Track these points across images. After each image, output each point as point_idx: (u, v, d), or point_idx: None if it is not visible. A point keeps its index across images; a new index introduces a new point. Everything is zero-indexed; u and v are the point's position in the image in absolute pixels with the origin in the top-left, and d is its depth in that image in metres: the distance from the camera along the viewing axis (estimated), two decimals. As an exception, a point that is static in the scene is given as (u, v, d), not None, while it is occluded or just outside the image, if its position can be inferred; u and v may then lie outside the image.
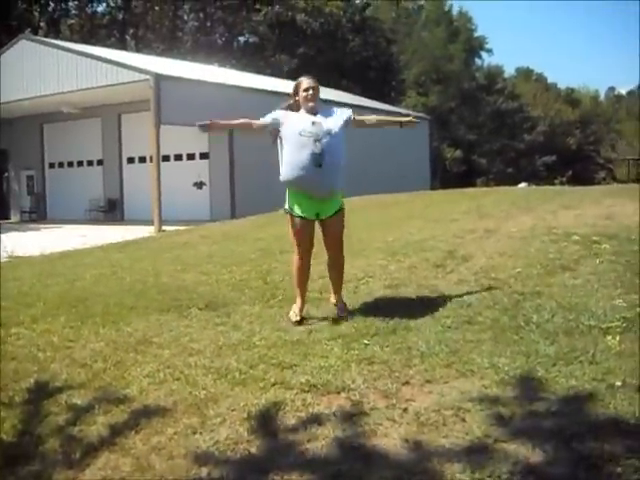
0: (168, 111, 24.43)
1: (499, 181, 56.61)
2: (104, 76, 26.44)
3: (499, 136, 71.25)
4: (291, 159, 6.28)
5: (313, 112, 6.39)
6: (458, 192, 22.26)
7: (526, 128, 73.31)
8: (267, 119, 6.56)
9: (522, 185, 34.34)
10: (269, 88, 30.76)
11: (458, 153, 66.59)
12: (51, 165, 35.46)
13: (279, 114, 6.51)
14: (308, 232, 6.46)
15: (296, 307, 6.48)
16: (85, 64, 27.33)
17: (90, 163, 33.72)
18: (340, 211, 6.50)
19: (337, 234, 6.55)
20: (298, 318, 6.33)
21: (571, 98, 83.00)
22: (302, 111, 6.43)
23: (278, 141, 6.50)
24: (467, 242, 9.87)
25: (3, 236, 21.21)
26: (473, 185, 51.16)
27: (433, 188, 37.08)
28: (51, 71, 28.25)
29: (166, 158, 28.11)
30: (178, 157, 29.96)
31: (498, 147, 70.93)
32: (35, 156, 35.17)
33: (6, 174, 38.56)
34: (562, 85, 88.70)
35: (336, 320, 6.23)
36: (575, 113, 78.49)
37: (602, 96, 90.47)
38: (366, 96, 45.45)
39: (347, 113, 6.56)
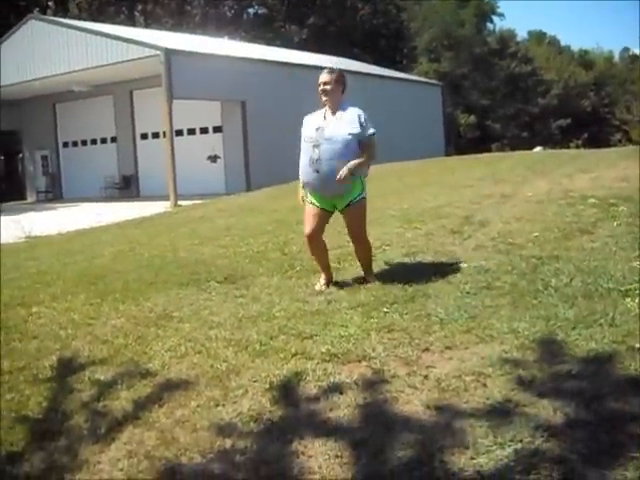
0: (180, 86, 24.38)
1: (514, 146, 56.19)
2: (114, 53, 26.37)
3: (513, 100, 70.68)
4: (300, 163, 6.41)
5: (332, 109, 6.33)
6: (473, 158, 22.18)
7: (540, 92, 72.60)
8: None
9: (537, 149, 34.05)
10: (279, 59, 30.64)
11: (472, 119, 66.11)
12: (65, 144, 35.50)
13: (304, 124, 6.52)
14: (319, 221, 6.47)
15: (322, 279, 6.59)
16: (95, 42, 27.25)
17: (104, 141, 33.75)
18: (357, 202, 6.38)
19: (353, 224, 6.52)
20: (323, 289, 6.43)
21: (585, 60, 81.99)
22: (325, 109, 6.41)
23: None
24: (483, 208, 9.84)
25: (20, 216, 21.31)
26: (488, 150, 50.83)
27: (448, 154, 36.87)
28: (61, 50, 28.20)
29: (179, 133, 28.10)
30: (191, 131, 29.93)
31: (512, 112, 70.37)
32: (48, 136, 35.22)
33: (20, 155, 38.71)
34: (575, 47, 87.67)
35: (355, 290, 6.23)
36: (589, 75, 77.59)
37: (616, 57, 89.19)
38: (378, 64, 45.19)
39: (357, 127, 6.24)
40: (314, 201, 6.45)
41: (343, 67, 36.13)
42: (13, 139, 38.39)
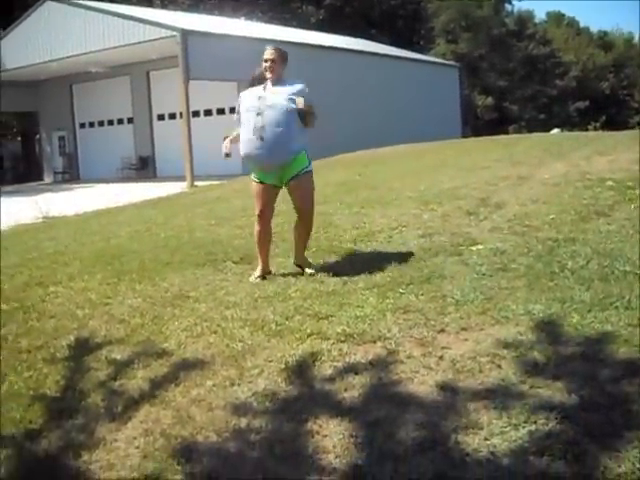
0: (196, 66, 24.37)
1: (531, 128, 55.91)
2: (131, 34, 26.38)
3: (531, 82, 70.22)
4: (242, 136, 6.45)
5: (273, 83, 6.36)
6: (490, 140, 22.08)
7: (558, 74, 72.08)
8: (235, 124, 6.66)
9: (555, 131, 33.87)
10: (296, 40, 30.55)
11: (489, 100, 65.80)
12: (82, 125, 35.62)
13: (239, 100, 6.57)
14: (268, 198, 6.49)
15: (259, 270, 6.53)
16: (111, 23, 27.27)
17: (120, 121, 33.82)
18: (303, 175, 6.40)
19: (302, 197, 6.50)
20: (258, 281, 6.40)
21: (604, 42, 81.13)
22: (266, 83, 6.41)
23: None
24: (500, 189, 9.80)
25: (38, 197, 21.39)
26: (505, 132, 50.67)
27: (465, 136, 36.68)
28: (78, 31, 28.22)
29: (196, 114, 28.10)
30: (208, 112, 29.91)
31: (530, 93, 69.93)
32: (65, 117, 35.34)
33: (38, 136, 38.85)
34: (595, 28, 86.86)
35: (371, 271, 6.20)
36: (608, 57, 76.85)
37: (636, 38, 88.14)
38: (395, 45, 44.97)
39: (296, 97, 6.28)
40: (260, 177, 6.48)
41: (360, 48, 36.16)
42: (30, 120, 38.59)
